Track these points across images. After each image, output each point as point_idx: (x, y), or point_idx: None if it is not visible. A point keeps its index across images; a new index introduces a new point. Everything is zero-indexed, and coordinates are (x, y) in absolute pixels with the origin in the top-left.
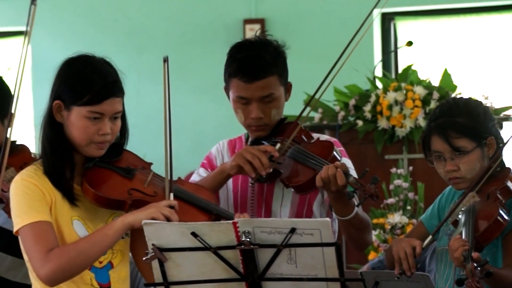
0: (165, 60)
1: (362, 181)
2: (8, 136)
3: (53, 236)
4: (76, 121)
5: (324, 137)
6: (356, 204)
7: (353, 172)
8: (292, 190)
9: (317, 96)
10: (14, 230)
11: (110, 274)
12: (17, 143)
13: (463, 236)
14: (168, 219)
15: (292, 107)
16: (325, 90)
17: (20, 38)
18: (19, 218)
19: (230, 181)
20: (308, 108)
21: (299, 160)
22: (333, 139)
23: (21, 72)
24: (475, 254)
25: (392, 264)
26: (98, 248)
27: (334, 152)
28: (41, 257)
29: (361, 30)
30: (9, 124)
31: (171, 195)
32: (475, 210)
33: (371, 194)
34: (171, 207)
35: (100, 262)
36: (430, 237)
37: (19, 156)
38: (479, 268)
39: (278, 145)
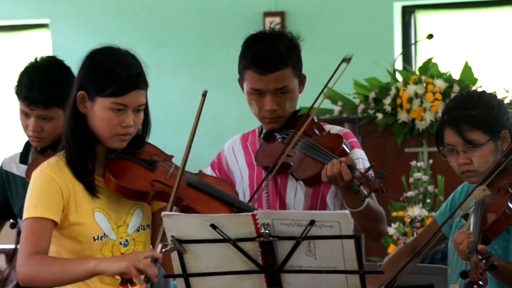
0: (204, 94)
1: (368, 176)
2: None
3: (46, 239)
4: (100, 112)
5: (336, 129)
6: (361, 199)
7: (365, 162)
8: (302, 183)
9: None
10: (23, 218)
11: None
12: None
13: (471, 229)
14: (143, 272)
15: (311, 100)
16: (335, 82)
17: (42, 31)
18: (27, 209)
19: (246, 175)
20: (320, 100)
21: (308, 153)
22: (344, 130)
23: None
24: (480, 246)
25: None
26: (66, 277)
27: (343, 145)
28: (25, 256)
29: (380, 23)
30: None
31: (160, 246)
32: (484, 203)
33: (376, 189)
34: (155, 260)
35: (122, 254)
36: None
37: None
38: (484, 261)
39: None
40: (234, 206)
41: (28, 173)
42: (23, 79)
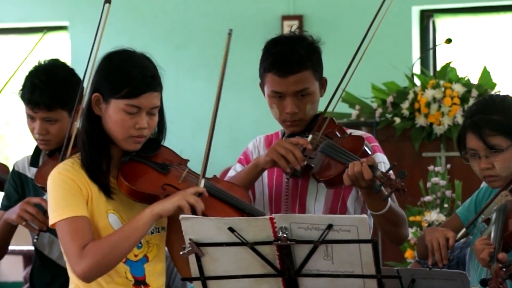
0: (230, 33)
1: (389, 175)
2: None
3: (89, 232)
4: (114, 114)
5: (358, 132)
6: (383, 198)
7: (386, 167)
8: (323, 185)
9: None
10: (50, 223)
11: (145, 268)
12: None
13: (492, 235)
14: (192, 207)
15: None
16: (348, 81)
17: (61, 33)
18: (56, 213)
19: (265, 176)
20: (335, 101)
21: (329, 154)
22: (367, 135)
23: (91, 67)
24: (500, 255)
25: (422, 253)
26: (129, 242)
27: (365, 147)
28: (77, 253)
29: (398, 27)
30: (76, 117)
31: (203, 181)
32: (506, 209)
33: (397, 188)
34: (199, 194)
35: (135, 256)
36: (464, 229)
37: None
38: (504, 269)
39: (310, 137)
40: (245, 211)
41: (38, 176)
42: (26, 83)
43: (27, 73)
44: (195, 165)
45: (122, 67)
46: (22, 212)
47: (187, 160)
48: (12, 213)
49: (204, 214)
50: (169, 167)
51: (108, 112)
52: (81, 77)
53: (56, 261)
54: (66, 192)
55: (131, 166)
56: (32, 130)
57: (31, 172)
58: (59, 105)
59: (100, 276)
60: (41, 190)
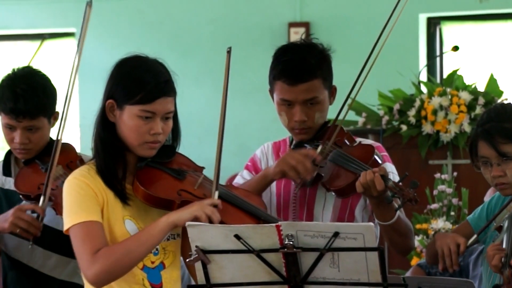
0: (228, 51)
1: (401, 186)
2: (59, 135)
3: (102, 237)
4: (128, 120)
5: (368, 141)
6: (395, 208)
7: (395, 177)
8: (334, 194)
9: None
10: (64, 228)
11: (162, 275)
12: (62, 142)
13: (504, 242)
14: (210, 218)
15: (336, 111)
16: (359, 89)
17: (69, 40)
18: (69, 218)
19: (273, 184)
20: (345, 110)
21: (339, 163)
22: (376, 144)
23: (74, 74)
24: None
25: (432, 259)
26: (143, 248)
27: (375, 156)
28: (88, 258)
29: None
30: (61, 123)
31: (216, 193)
32: None
33: (409, 198)
34: (215, 206)
35: (152, 262)
36: (475, 236)
37: (65, 155)
38: None
39: (320, 148)
40: (261, 219)
41: (19, 184)
42: (4, 93)
43: (1, 84)
44: (204, 172)
45: (135, 73)
46: (16, 219)
47: (203, 168)
48: (3, 222)
49: (221, 221)
50: (185, 173)
51: (123, 118)
52: (93, 84)
53: (38, 269)
54: (81, 197)
55: (147, 171)
56: (10, 140)
57: (1, 181)
58: (41, 113)
59: (112, 281)
60: (19, 198)
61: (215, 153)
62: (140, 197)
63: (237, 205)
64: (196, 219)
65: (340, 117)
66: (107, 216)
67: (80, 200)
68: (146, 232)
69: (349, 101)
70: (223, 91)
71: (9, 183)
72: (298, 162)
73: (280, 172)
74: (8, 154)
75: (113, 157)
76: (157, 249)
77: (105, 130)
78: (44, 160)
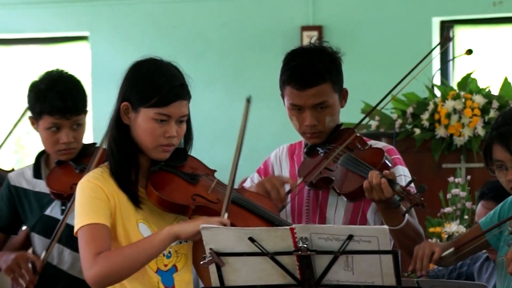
0: (249, 100)
1: (409, 190)
2: (103, 141)
3: (106, 240)
4: (143, 123)
5: (380, 144)
6: (402, 213)
7: (407, 180)
8: (344, 198)
9: (378, 107)
10: (74, 230)
11: (174, 278)
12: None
13: None
14: None
15: (348, 115)
16: (387, 102)
17: (81, 43)
18: (79, 219)
19: (287, 187)
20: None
21: (349, 167)
22: (388, 147)
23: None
24: None
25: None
26: (142, 256)
27: (385, 160)
28: (90, 259)
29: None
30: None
31: (226, 214)
32: None
33: (416, 203)
34: (223, 225)
35: (165, 265)
36: (452, 249)
37: (100, 158)
38: None
39: (299, 180)
40: (275, 223)
41: (52, 183)
42: (47, 95)
43: (36, 89)
44: (217, 176)
45: (151, 76)
46: (14, 265)
47: (214, 171)
48: (4, 262)
49: (233, 224)
50: (198, 177)
51: (138, 121)
52: (106, 87)
53: (67, 271)
54: (92, 199)
55: (161, 175)
56: (54, 142)
57: (30, 184)
58: (84, 109)
59: (110, 285)
60: (49, 200)
61: (229, 176)
62: (154, 201)
63: (248, 208)
64: (199, 233)
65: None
66: (121, 219)
67: (91, 203)
68: (147, 241)
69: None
70: (239, 138)
71: (39, 186)
72: (273, 188)
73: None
74: (39, 158)
75: (127, 160)
76: (169, 252)
77: (119, 132)
78: (76, 161)
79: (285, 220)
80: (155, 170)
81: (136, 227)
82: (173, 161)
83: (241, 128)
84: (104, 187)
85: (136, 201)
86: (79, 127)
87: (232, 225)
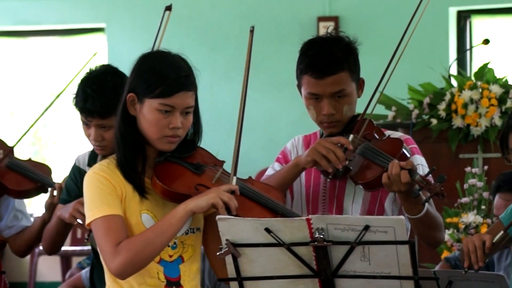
0: (251, 30)
1: (428, 180)
2: None
3: (123, 230)
4: (148, 113)
5: (397, 134)
6: (421, 202)
7: (425, 169)
8: (361, 187)
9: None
10: (86, 223)
11: (181, 268)
12: None
13: None
14: (226, 204)
15: (364, 105)
16: (386, 83)
17: (98, 35)
18: (91, 212)
19: (303, 176)
20: (374, 103)
21: (367, 157)
22: (405, 137)
23: None
24: None
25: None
26: (163, 238)
27: (404, 150)
28: (111, 251)
29: (435, 28)
30: None
31: (234, 179)
32: None
33: (436, 192)
34: (232, 192)
35: (170, 256)
36: (502, 232)
37: None
38: None
39: (351, 136)
40: (278, 213)
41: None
42: (78, 91)
43: (79, 81)
44: (230, 167)
45: (156, 67)
46: (74, 211)
47: (223, 162)
48: (65, 212)
49: (237, 215)
50: (203, 167)
51: (143, 112)
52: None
53: None
54: (101, 191)
55: (166, 166)
56: (88, 136)
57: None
58: (111, 113)
59: (135, 272)
60: None
61: (234, 139)
62: (158, 192)
63: (254, 199)
64: (213, 205)
65: (369, 110)
66: (124, 210)
67: (101, 194)
68: (165, 221)
69: (378, 95)
70: (245, 70)
71: None
72: (329, 150)
73: (311, 161)
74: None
75: (133, 151)
76: (175, 243)
77: (126, 123)
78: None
79: (293, 211)
80: (161, 161)
81: (139, 217)
82: (179, 152)
83: (247, 59)
84: (110, 178)
85: (141, 192)
86: (108, 128)
87: (238, 215)
